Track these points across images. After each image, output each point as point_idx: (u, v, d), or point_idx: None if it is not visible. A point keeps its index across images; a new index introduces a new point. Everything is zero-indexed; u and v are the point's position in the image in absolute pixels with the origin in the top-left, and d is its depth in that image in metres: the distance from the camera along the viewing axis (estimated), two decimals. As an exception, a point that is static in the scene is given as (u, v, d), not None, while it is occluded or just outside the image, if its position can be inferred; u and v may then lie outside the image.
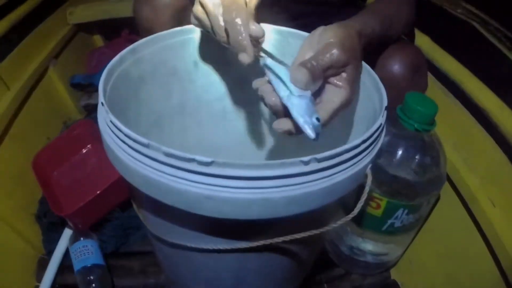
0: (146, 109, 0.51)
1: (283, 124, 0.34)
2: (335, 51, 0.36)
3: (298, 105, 0.33)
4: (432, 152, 0.51)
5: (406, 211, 0.51)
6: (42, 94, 0.80)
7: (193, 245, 0.39)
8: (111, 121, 0.34)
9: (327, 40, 0.37)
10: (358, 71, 0.40)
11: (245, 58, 0.37)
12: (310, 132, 0.32)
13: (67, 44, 0.95)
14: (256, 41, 0.40)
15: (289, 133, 0.35)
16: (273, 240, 0.37)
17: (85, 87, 0.95)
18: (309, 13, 0.67)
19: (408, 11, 0.55)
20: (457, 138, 0.58)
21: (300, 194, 0.32)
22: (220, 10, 0.39)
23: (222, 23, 0.39)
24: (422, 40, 0.66)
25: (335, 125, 0.48)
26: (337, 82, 0.37)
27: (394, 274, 0.64)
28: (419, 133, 0.49)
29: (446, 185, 0.55)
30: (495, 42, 0.64)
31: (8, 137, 0.67)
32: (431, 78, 0.61)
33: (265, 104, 0.36)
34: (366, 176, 0.38)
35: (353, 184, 0.36)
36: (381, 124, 0.37)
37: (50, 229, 0.68)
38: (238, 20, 0.37)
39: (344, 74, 0.37)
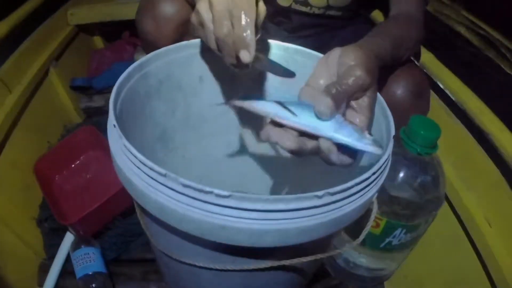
0: (151, 124, 0.51)
1: (342, 157, 0.33)
2: (360, 75, 0.34)
3: (347, 134, 0.32)
4: (432, 173, 0.53)
5: (404, 230, 0.53)
6: (43, 97, 0.80)
7: (201, 264, 0.40)
8: (125, 146, 0.35)
9: (349, 63, 0.36)
10: (376, 94, 0.38)
11: (246, 55, 0.37)
12: (377, 151, 0.32)
13: (67, 45, 0.94)
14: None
15: (347, 163, 0.34)
16: (280, 262, 0.38)
17: (86, 89, 0.94)
18: (312, 25, 0.67)
19: (418, 32, 0.55)
20: (457, 157, 0.59)
21: (312, 225, 0.33)
22: (226, 6, 0.37)
23: (226, 21, 0.37)
24: (426, 57, 0.67)
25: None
26: (358, 107, 0.36)
27: (388, 287, 0.66)
28: (421, 155, 0.50)
29: (444, 203, 0.56)
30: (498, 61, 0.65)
31: (10, 141, 0.67)
32: (433, 96, 0.62)
33: (284, 149, 0.33)
34: (371, 203, 0.39)
35: (360, 212, 0.37)
36: (388, 155, 0.38)
37: (52, 234, 0.68)
38: (246, 16, 0.37)
39: (366, 98, 0.36)
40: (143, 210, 0.40)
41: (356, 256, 0.59)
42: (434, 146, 0.50)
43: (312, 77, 0.38)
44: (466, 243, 0.54)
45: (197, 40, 0.50)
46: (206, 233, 0.33)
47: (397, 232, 0.53)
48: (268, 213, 0.31)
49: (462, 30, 0.73)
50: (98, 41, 1.14)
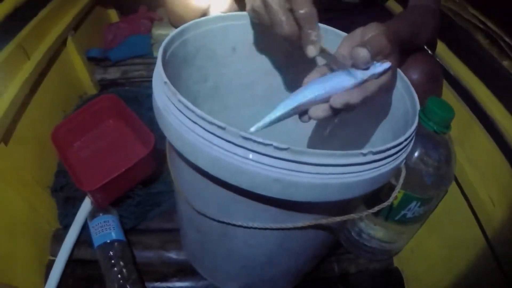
0: (183, 91, 0.53)
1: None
2: (383, 40, 0.38)
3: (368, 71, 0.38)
4: (445, 151, 0.56)
5: (418, 203, 0.56)
6: (60, 66, 0.79)
7: (240, 223, 0.42)
8: (180, 101, 0.36)
9: (373, 32, 0.40)
10: (397, 63, 0.42)
11: (312, 51, 0.39)
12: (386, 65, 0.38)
13: (85, 17, 0.93)
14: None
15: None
16: (317, 221, 0.41)
17: (101, 61, 0.94)
18: (332, 9, 0.70)
19: (434, 22, 0.59)
20: (464, 138, 0.63)
21: (355, 181, 0.35)
22: (282, 4, 0.39)
23: (284, 18, 0.39)
24: (439, 47, 0.71)
25: (366, 118, 0.53)
26: None
27: (396, 261, 0.70)
28: (436, 133, 0.54)
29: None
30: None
31: (27, 108, 0.66)
32: (444, 83, 0.66)
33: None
34: (400, 169, 0.42)
35: (392, 174, 0.40)
36: (415, 127, 0.41)
37: (66, 203, 0.68)
38: (311, 16, 0.39)
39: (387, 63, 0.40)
40: (190, 166, 0.42)
41: (371, 227, 0.62)
42: (448, 126, 0.54)
43: (339, 50, 0.41)
44: (472, 220, 0.57)
45: (234, 13, 0.51)
46: (258, 187, 0.35)
47: (412, 205, 0.56)
48: (318, 167, 0.34)
49: (468, 26, 0.77)
50: (113, 15, 1.13)
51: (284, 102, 0.39)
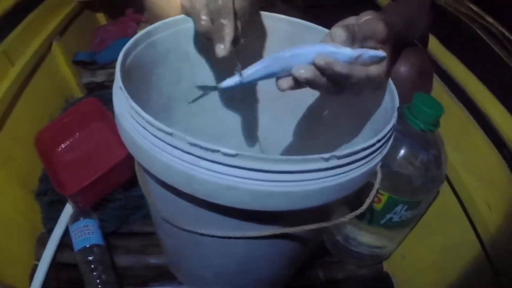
0: (156, 93, 0.51)
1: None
2: (377, 23, 0.35)
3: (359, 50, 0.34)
4: (434, 151, 0.53)
5: (405, 207, 0.53)
6: (45, 71, 0.79)
7: (203, 232, 0.40)
8: (131, 107, 0.34)
9: (367, 17, 0.37)
10: (390, 55, 0.39)
11: (221, 50, 0.38)
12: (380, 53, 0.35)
13: (71, 21, 0.93)
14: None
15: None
16: (284, 230, 0.39)
17: (88, 64, 0.94)
18: (321, 5, 0.68)
19: (427, 14, 0.56)
20: (458, 139, 0.59)
21: (318, 188, 0.33)
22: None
23: (202, 14, 0.39)
24: (432, 42, 0.67)
25: (343, 115, 0.50)
26: None
27: (386, 266, 0.67)
28: (424, 132, 0.51)
29: (445, 184, 0.57)
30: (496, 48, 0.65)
31: (12, 114, 0.66)
32: (436, 79, 0.63)
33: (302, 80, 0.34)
34: (375, 173, 0.39)
35: (365, 179, 0.37)
36: (393, 124, 0.38)
37: (51, 207, 0.68)
38: (224, 9, 0.38)
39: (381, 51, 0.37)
40: (148, 173, 0.40)
41: (357, 233, 0.59)
42: (437, 124, 0.51)
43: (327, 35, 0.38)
44: (466, 225, 0.54)
45: None
46: (211, 195, 0.33)
47: (398, 208, 0.53)
48: (274, 174, 0.31)
49: (464, 19, 0.73)
50: (101, 18, 1.14)
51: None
